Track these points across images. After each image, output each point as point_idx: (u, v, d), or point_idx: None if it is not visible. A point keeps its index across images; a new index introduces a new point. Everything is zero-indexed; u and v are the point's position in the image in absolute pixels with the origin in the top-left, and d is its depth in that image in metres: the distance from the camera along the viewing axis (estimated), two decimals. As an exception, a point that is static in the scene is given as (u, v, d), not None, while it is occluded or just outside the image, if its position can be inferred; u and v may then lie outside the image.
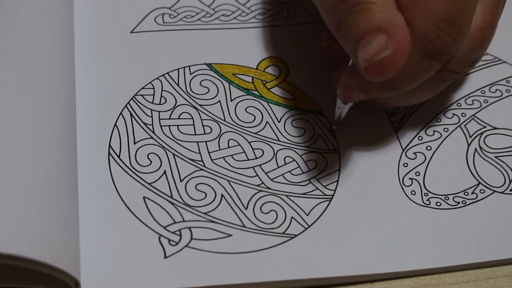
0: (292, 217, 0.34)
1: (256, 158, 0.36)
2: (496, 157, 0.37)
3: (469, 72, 0.36)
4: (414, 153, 0.37)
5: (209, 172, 0.35)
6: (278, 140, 0.37)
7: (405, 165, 0.37)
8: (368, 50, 0.30)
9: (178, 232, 0.33)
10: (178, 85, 0.39)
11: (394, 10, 0.31)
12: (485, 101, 0.40)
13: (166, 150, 0.36)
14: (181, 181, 0.35)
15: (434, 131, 0.38)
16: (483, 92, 0.40)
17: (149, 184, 0.34)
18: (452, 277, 0.34)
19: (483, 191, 0.36)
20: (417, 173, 0.36)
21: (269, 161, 0.36)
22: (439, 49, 0.32)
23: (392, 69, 0.30)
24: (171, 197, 0.34)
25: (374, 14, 0.30)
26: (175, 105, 0.38)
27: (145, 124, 0.37)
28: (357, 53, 0.30)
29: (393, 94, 0.34)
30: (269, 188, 0.35)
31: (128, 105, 0.37)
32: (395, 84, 0.32)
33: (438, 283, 0.33)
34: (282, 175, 0.36)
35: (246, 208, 0.34)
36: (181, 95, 0.38)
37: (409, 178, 0.36)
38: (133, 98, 0.38)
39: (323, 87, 0.39)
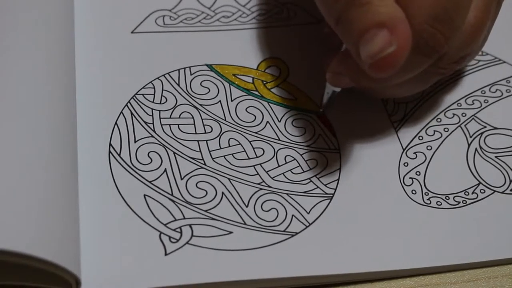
0: (293, 215, 0.34)
1: (257, 157, 0.36)
2: (496, 157, 0.37)
3: (456, 68, 0.36)
4: (415, 153, 0.37)
5: (209, 170, 0.35)
6: (279, 140, 0.37)
7: (406, 164, 0.37)
8: (372, 47, 0.29)
9: (178, 230, 0.33)
10: (178, 85, 0.39)
11: (394, 4, 0.30)
12: (485, 101, 0.40)
13: (167, 149, 0.36)
14: (181, 179, 0.35)
15: (434, 131, 0.38)
16: (483, 92, 0.40)
17: (150, 182, 0.34)
18: (452, 277, 0.34)
19: (483, 191, 0.36)
20: (418, 173, 0.36)
21: (269, 160, 0.36)
22: (432, 47, 0.32)
23: (396, 66, 0.30)
24: (172, 194, 0.34)
25: (375, 8, 0.30)
26: (176, 104, 0.38)
27: (145, 122, 0.37)
28: (359, 49, 0.30)
29: (381, 85, 0.34)
30: (269, 187, 0.35)
31: (128, 104, 0.37)
32: None
33: (438, 283, 0.33)
34: (283, 173, 0.36)
35: (247, 206, 0.34)
36: (181, 95, 0.38)
37: (410, 178, 0.36)
38: (134, 97, 0.38)
39: (323, 87, 0.39)
